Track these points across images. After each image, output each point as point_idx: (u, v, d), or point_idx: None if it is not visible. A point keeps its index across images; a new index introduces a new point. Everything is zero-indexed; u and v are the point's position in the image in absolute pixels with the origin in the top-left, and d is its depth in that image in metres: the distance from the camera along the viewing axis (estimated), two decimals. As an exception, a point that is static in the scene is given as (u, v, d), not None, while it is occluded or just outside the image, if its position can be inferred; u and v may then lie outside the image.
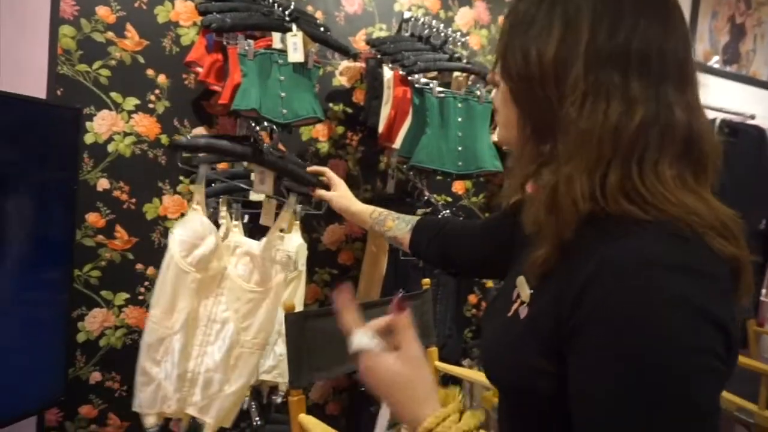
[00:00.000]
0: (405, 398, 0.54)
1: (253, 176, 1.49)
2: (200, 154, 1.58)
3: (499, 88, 0.64)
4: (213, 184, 1.45)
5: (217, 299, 1.30)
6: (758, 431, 1.69)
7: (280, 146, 1.84)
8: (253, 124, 1.56)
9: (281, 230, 1.52)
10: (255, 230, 1.60)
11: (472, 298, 2.36)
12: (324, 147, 1.96)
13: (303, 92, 1.50)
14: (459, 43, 1.93)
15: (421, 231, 1.03)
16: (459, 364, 2.15)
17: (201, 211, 1.33)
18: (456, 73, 1.80)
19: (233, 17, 1.41)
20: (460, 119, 1.73)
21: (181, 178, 1.73)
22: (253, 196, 1.56)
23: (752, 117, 2.86)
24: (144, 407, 1.23)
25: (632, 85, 0.52)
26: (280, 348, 1.47)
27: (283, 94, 1.44)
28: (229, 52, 1.44)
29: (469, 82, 1.85)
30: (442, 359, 1.63)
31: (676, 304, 0.45)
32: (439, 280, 1.86)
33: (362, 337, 0.56)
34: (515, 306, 0.59)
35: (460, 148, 1.71)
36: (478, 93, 1.76)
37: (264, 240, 1.41)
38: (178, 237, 1.25)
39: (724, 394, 1.75)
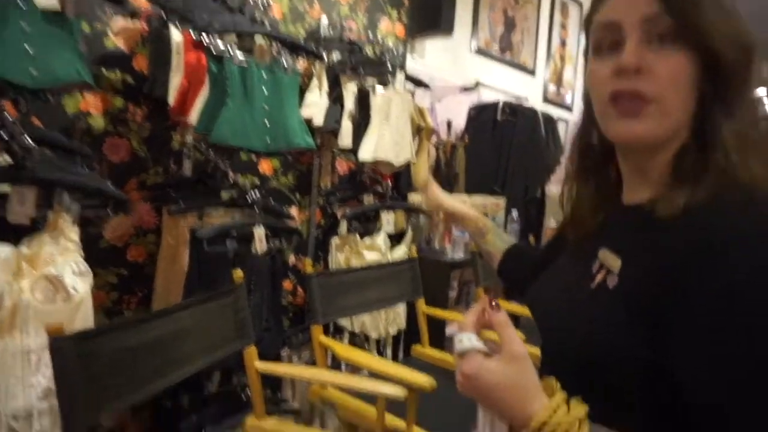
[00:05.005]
0: (513, 400, 0.52)
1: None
2: None
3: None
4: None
5: (23, 331, 1.13)
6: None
7: (35, 121, 1.46)
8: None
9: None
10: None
11: (288, 285, 2.23)
12: (98, 122, 1.61)
13: (62, 49, 1.17)
14: (261, 8, 1.74)
15: (512, 255, 1.02)
16: (278, 357, 2.02)
17: None
18: (259, 41, 1.61)
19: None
20: (265, 91, 1.55)
21: None
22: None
23: (526, 99, 3.24)
24: None
25: None
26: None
27: (31, 50, 1.10)
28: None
29: (274, 52, 1.68)
30: (260, 354, 1.47)
31: None
32: (252, 270, 1.68)
33: (468, 340, 0.54)
34: (599, 277, 0.61)
35: (267, 123, 1.55)
36: (285, 63, 1.61)
37: (60, 258, 1.20)
38: None
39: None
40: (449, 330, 2.39)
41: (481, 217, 1.10)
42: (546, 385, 0.53)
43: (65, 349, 0.82)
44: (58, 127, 1.50)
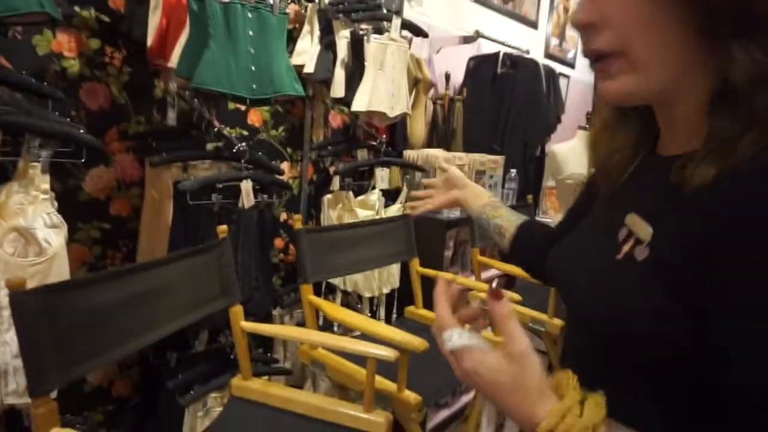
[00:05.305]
0: (516, 400, 0.47)
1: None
2: None
3: None
4: None
5: None
6: (548, 337, 1.88)
7: (3, 61, 1.35)
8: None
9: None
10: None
11: (279, 243, 2.17)
12: (73, 66, 1.50)
13: (19, -23, 1.05)
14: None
15: (527, 230, 0.95)
16: (270, 316, 1.97)
17: None
18: (243, -23, 1.49)
19: None
20: (251, 33, 1.44)
21: None
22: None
23: (527, 52, 3.10)
24: None
25: None
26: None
27: (-18, -24, 0.99)
28: None
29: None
30: (249, 314, 1.42)
31: None
32: (239, 226, 1.61)
33: (459, 337, 0.50)
34: (626, 247, 0.52)
35: (253, 68, 1.44)
36: (271, 2, 1.49)
37: (30, 209, 1.13)
38: None
39: (519, 308, 1.88)
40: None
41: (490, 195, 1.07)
42: (559, 382, 0.48)
43: (26, 305, 0.76)
44: (29, 69, 1.39)
